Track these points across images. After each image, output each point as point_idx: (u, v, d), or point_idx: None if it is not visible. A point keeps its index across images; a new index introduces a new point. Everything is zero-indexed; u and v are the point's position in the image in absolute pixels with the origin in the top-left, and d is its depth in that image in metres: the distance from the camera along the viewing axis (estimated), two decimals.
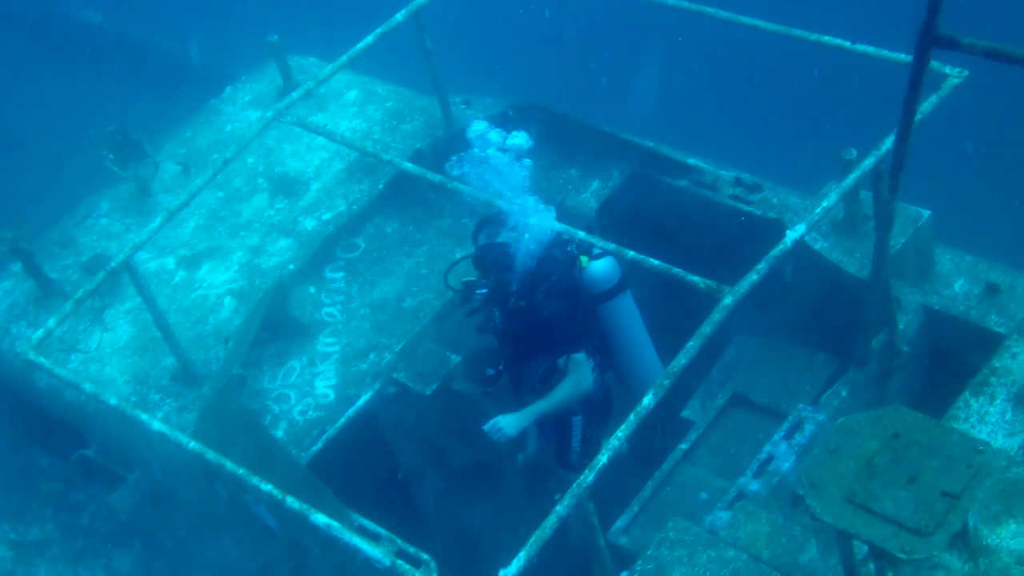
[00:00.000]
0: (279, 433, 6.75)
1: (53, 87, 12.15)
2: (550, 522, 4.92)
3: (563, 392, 6.48)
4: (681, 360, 5.21)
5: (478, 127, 6.56)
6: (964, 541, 4.52)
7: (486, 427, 6.44)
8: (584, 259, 6.55)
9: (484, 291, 6.58)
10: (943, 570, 4.57)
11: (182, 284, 7.63)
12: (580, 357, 6.46)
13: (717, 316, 5.30)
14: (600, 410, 6.83)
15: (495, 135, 6.51)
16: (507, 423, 6.42)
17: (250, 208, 7.96)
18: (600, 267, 6.56)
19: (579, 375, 6.47)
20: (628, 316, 6.70)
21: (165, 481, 7.03)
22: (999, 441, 5.04)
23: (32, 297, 7.69)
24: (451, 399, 6.83)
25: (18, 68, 12.45)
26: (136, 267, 6.55)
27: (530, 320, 6.50)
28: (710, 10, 6.66)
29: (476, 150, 6.50)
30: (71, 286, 7.73)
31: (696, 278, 5.45)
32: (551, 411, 6.51)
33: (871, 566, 4.53)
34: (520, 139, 6.50)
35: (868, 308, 6.04)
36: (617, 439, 5.09)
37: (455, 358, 6.82)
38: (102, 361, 7.31)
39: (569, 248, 6.54)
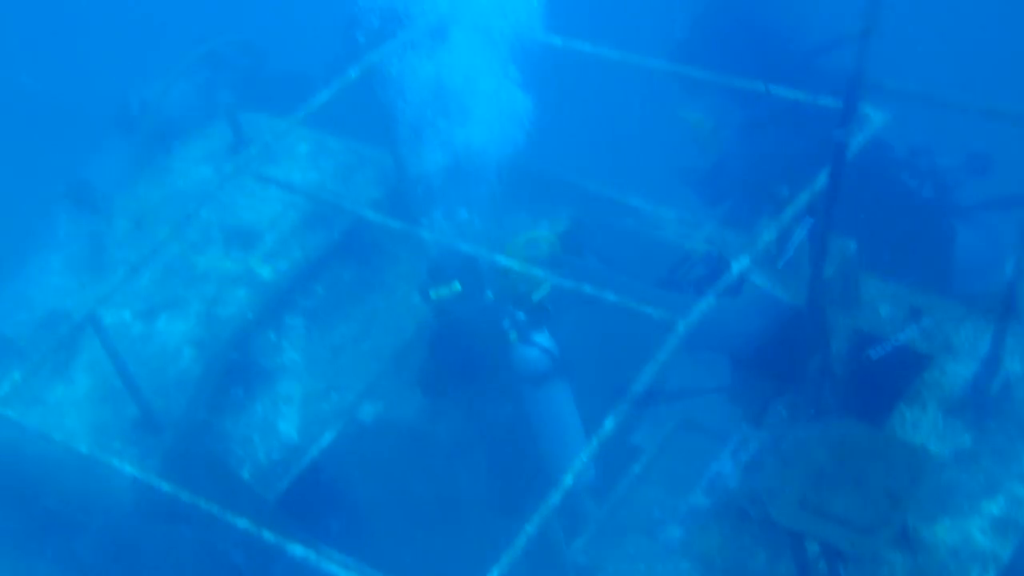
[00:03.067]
0: (245, 475, 6.93)
1: None
2: (520, 541, 5.21)
3: None
4: (639, 385, 5.58)
5: None
6: (905, 538, 4.92)
7: None
8: (513, 335, 6.53)
9: None
10: (887, 565, 4.96)
11: (140, 336, 7.74)
12: None
13: (671, 343, 5.69)
14: None
15: None
16: None
17: (205, 259, 8.13)
18: (521, 353, 6.57)
19: None
20: (548, 409, 6.67)
21: (128, 526, 7.15)
22: (932, 447, 5.46)
23: None
24: (412, 434, 7.08)
25: None
26: (99, 319, 6.71)
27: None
28: (655, 62, 7.04)
29: None
30: (26, 343, 7.84)
31: (650, 309, 5.82)
32: None
33: (822, 565, 4.90)
34: None
35: (803, 333, 6.45)
36: (581, 462, 5.42)
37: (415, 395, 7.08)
38: (62, 412, 7.41)
39: (507, 322, 6.54)
